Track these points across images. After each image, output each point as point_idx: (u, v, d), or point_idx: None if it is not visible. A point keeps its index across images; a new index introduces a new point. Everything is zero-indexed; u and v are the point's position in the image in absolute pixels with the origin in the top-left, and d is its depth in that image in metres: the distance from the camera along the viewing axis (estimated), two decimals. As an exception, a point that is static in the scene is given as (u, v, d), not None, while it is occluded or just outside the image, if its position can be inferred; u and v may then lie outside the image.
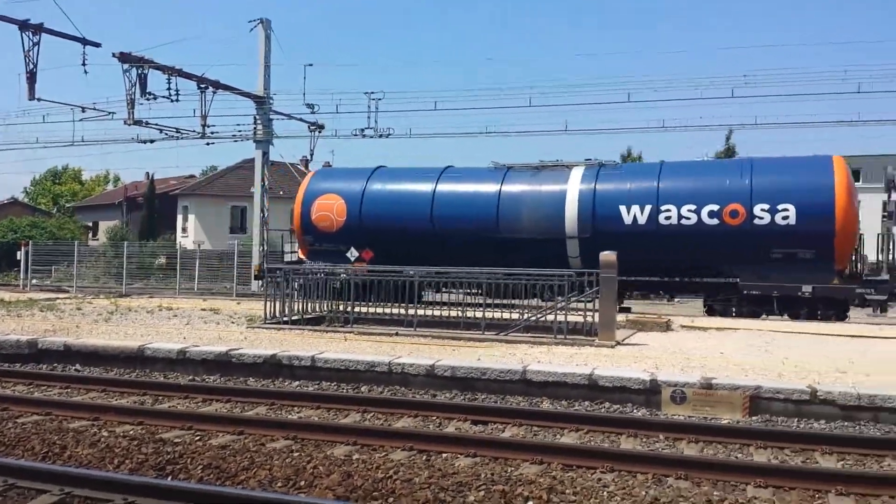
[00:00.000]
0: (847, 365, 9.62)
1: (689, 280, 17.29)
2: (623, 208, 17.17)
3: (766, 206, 16.15)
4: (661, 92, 26.06)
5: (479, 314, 12.58)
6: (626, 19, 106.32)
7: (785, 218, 15.95)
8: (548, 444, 6.82)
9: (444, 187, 19.15)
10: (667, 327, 13.79)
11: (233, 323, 14.25)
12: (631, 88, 28.77)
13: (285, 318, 13.63)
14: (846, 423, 7.66)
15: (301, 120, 26.49)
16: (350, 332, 12.63)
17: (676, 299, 20.05)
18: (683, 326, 14.04)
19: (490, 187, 18.78)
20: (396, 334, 12.32)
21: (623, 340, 11.96)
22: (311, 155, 29.07)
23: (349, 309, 13.56)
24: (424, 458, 6.50)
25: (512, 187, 18.59)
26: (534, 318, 12.54)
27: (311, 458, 6.41)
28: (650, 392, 8.40)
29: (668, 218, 16.82)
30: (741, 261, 16.37)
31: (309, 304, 14.13)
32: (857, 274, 17.24)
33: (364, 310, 14.20)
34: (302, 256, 20.87)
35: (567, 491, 5.65)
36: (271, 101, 25.54)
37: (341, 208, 19.76)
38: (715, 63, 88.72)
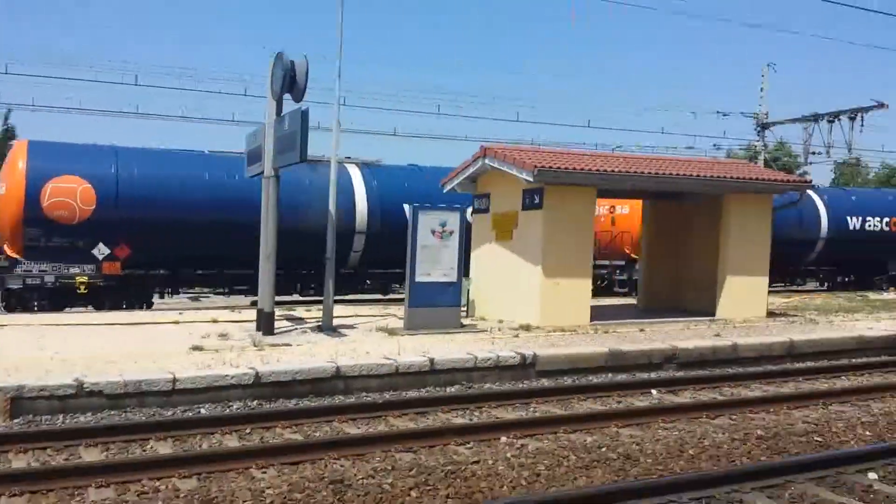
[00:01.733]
0: (119, 354, 9.76)
1: None
2: (406, 206, 17.01)
3: None
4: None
5: None
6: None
7: None
8: None
9: (223, 174, 17.37)
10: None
11: None
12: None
13: None
14: (114, 412, 7.74)
15: None
16: None
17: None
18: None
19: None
20: None
21: None
22: None
23: None
24: None
25: (303, 179, 17.44)
26: None
27: None
28: None
29: None
30: None
31: None
32: None
33: None
34: (13, 255, 15.70)
35: None
36: None
37: (88, 195, 16.01)
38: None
